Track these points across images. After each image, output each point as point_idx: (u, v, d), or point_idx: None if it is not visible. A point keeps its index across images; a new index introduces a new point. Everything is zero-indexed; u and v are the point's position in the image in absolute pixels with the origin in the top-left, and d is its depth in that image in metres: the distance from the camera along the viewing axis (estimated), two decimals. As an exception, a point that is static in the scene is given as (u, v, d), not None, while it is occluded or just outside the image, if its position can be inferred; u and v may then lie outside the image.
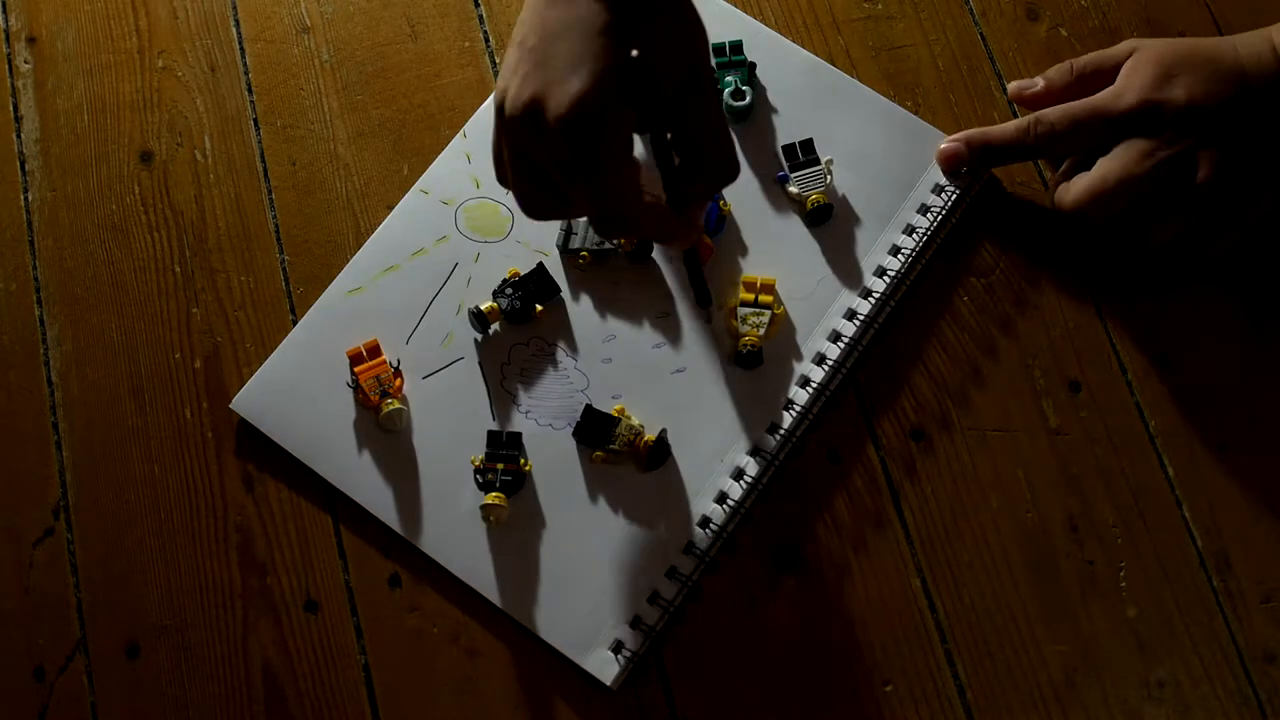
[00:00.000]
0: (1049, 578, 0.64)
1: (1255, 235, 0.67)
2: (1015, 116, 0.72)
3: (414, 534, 0.64)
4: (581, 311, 0.68)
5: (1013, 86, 0.71)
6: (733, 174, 0.55)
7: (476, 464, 0.65)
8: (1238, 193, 0.63)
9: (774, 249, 0.69)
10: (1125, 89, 0.65)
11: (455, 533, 0.64)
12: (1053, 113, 0.67)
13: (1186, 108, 0.63)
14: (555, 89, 0.51)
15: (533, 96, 0.51)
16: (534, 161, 0.53)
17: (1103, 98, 0.66)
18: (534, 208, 0.56)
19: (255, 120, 0.74)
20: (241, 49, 0.75)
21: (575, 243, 0.69)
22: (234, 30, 0.76)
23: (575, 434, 0.66)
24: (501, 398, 0.67)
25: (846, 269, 0.68)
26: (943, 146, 0.69)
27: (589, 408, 0.66)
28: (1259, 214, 0.65)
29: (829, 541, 0.65)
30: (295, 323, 0.69)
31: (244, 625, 0.65)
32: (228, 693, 0.64)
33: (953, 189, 0.69)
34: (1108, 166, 0.64)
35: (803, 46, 0.73)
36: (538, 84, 0.51)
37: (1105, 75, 0.67)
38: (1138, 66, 0.65)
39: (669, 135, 0.54)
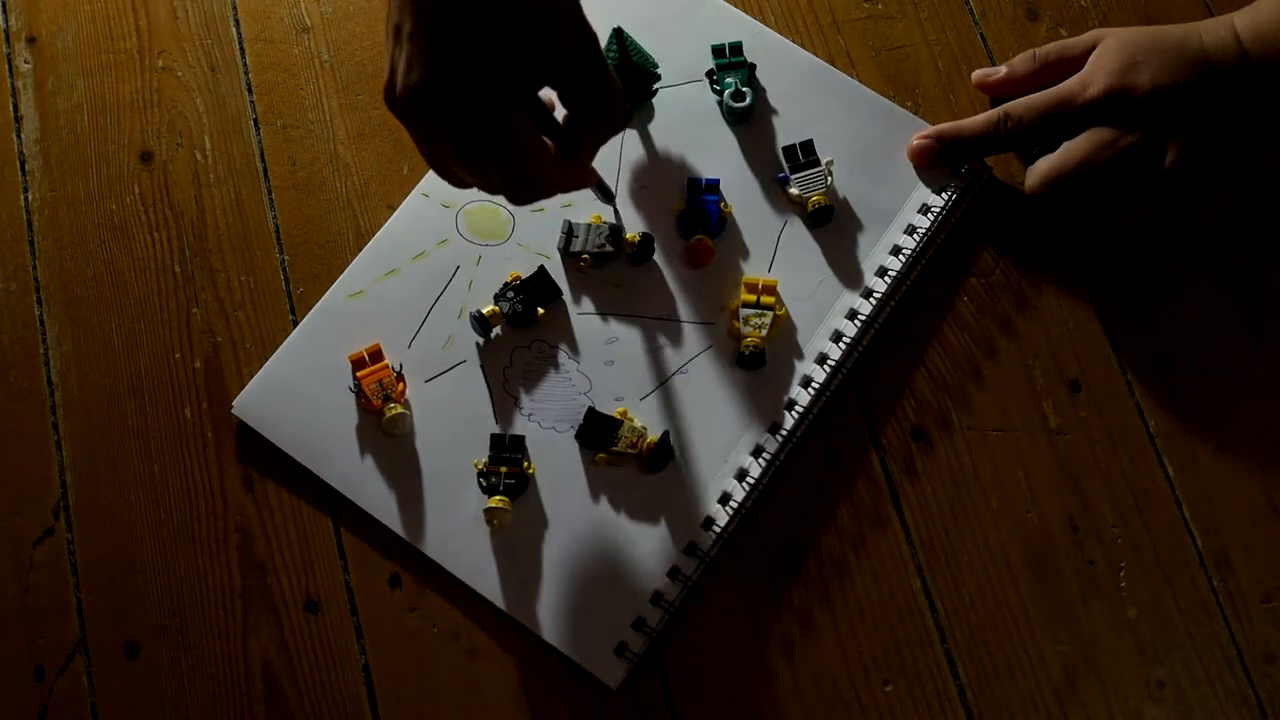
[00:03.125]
0: (1049, 578, 0.64)
1: (1257, 234, 0.67)
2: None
3: (418, 538, 0.64)
4: (583, 314, 0.68)
5: (976, 74, 0.71)
6: (624, 120, 0.58)
7: (480, 467, 0.65)
8: (1201, 180, 0.64)
9: (775, 250, 0.69)
10: (1091, 77, 0.65)
11: (459, 536, 0.64)
12: (1021, 104, 0.67)
13: (1151, 94, 0.63)
14: (445, 66, 0.51)
15: (422, 77, 0.51)
16: (435, 144, 0.55)
17: (1069, 86, 0.66)
18: (453, 182, 0.58)
19: (255, 120, 0.74)
20: (241, 49, 0.75)
21: (576, 245, 0.69)
22: (234, 30, 0.76)
23: (578, 436, 0.66)
24: (504, 401, 0.67)
25: (848, 270, 0.68)
26: (914, 143, 0.69)
27: (591, 410, 0.66)
28: (1224, 201, 0.65)
29: (829, 541, 0.65)
30: (295, 323, 0.69)
31: (244, 625, 0.65)
32: (228, 693, 0.64)
33: (954, 188, 0.69)
34: (1068, 152, 0.65)
35: (803, 47, 0.73)
36: (424, 66, 0.51)
37: (1068, 64, 0.68)
38: (1104, 54, 0.66)
39: (559, 93, 0.55)
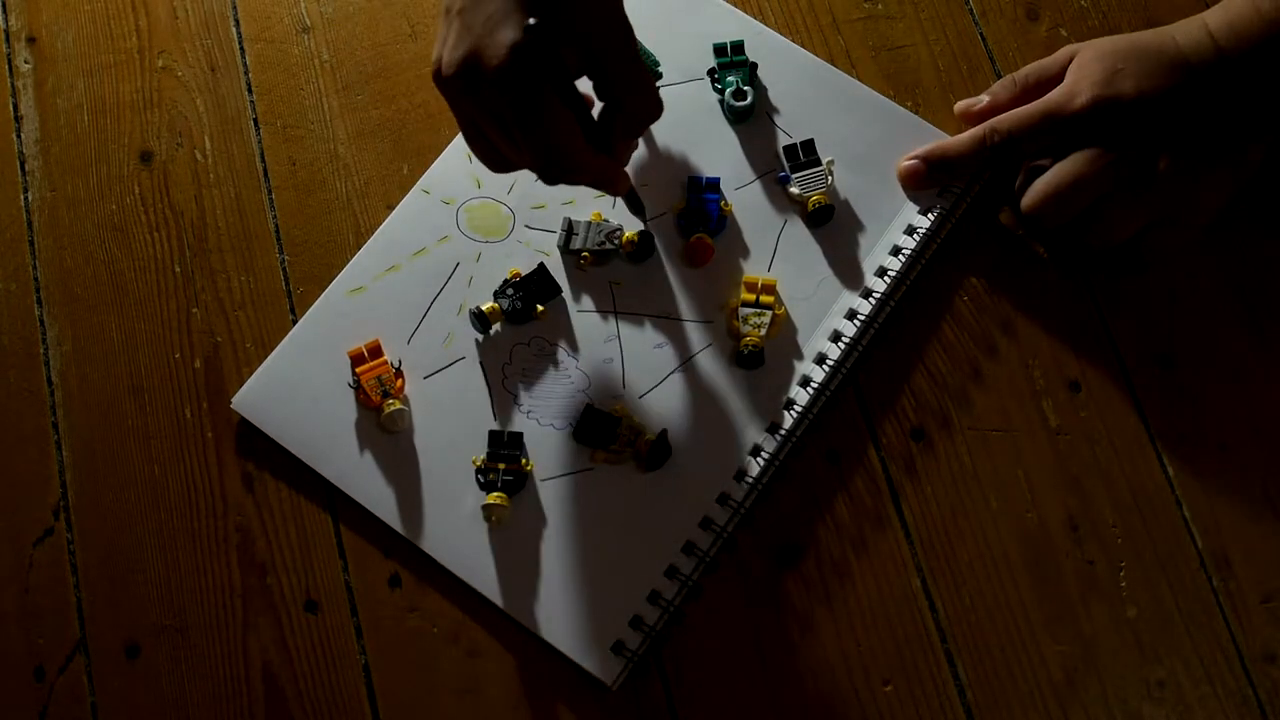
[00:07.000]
0: (1049, 578, 0.64)
1: (1258, 233, 0.67)
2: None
3: (415, 534, 0.64)
4: (583, 312, 0.68)
5: (958, 106, 0.71)
6: (657, 112, 0.58)
7: (478, 464, 0.65)
8: (1193, 181, 0.64)
9: (775, 250, 0.69)
10: (1077, 88, 0.65)
11: (457, 533, 0.64)
12: (1007, 119, 0.67)
13: (1137, 99, 0.64)
14: (488, 42, 0.53)
15: (466, 54, 0.53)
16: (477, 120, 0.56)
17: (1055, 98, 0.66)
18: (493, 164, 0.59)
19: (255, 120, 0.74)
20: (241, 49, 0.75)
21: (576, 243, 0.69)
22: (234, 30, 0.76)
23: (576, 434, 0.66)
24: (503, 398, 0.67)
25: (848, 269, 0.68)
26: (901, 165, 0.69)
27: (590, 407, 0.66)
28: (1219, 200, 0.66)
29: (829, 541, 0.65)
30: (295, 323, 0.69)
31: (244, 625, 0.65)
32: (228, 693, 0.64)
33: (954, 188, 0.69)
34: (1062, 171, 0.65)
35: (803, 47, 0.73)
36: (469, 43, 0.53)
37: (1048, 84, 0.68)
38: (1084, 65, 0.66)
39: (593, 84, 0.57)
